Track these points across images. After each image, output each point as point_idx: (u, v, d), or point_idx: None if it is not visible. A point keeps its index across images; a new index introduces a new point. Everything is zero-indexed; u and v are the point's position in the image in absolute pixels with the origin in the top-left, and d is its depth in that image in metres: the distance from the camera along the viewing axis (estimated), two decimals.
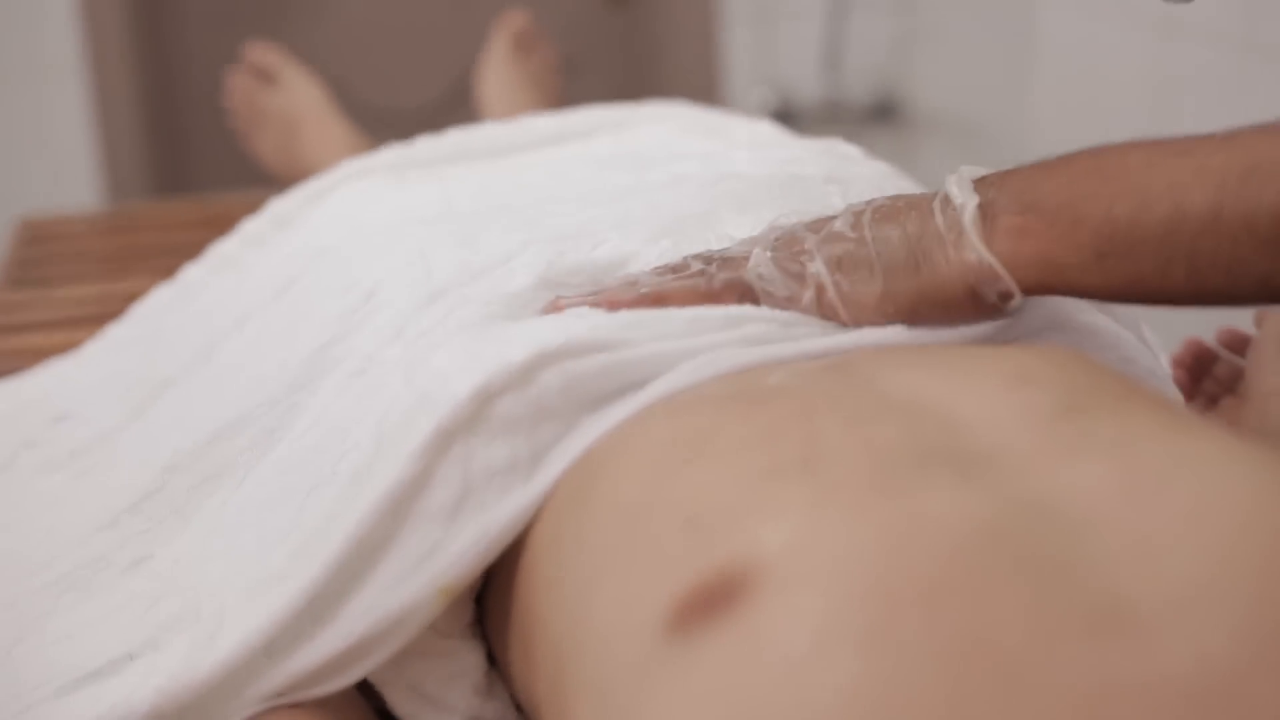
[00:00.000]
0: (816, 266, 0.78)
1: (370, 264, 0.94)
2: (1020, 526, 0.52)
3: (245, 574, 0.75)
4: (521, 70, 1.93)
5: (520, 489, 0.70)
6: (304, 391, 0.88)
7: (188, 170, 3.05)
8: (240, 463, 0.87)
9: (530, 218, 0.98)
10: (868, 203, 0.81)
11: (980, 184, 0.77)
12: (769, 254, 0.80)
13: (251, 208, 1.22)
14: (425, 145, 1.23)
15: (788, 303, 0.79)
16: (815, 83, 3.04)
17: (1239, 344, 1.10)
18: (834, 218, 0.81)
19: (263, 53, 1.86)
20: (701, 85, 2.97)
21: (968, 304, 0.77)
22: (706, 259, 0.82)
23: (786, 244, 0.81)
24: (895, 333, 0.76)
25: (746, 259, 0.81)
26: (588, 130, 1.27)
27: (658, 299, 0.80)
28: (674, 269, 0.82)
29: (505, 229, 0.95)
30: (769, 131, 1.27)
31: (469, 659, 0.75)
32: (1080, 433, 0.59)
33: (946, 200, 0.77)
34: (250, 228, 1.17)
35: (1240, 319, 1.13)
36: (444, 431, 0.70)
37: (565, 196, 1.04)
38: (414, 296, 0.87)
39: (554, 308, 0.82)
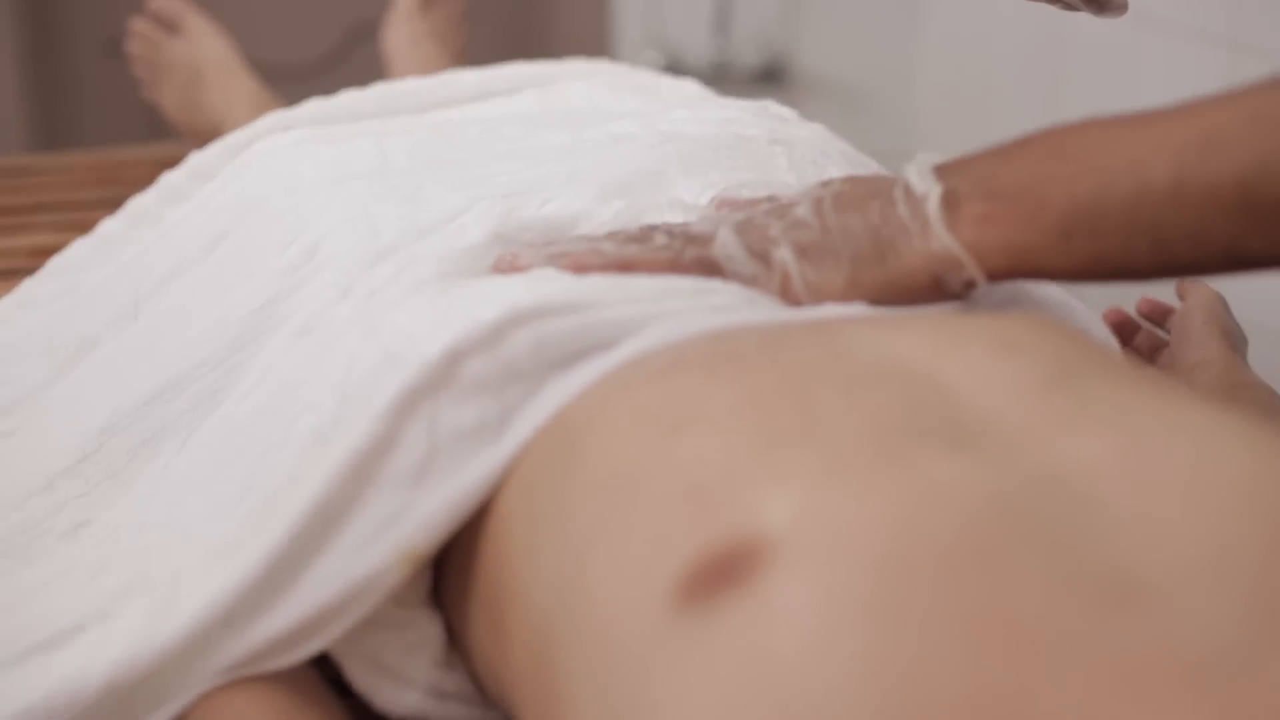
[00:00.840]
0: (783, 254, 0.77)
1: (309, 219, 0.91)
2: (1028, 499, 0.51)
3: (198, 540, 0.72)
4: (426, 23, 1.90)
5: (489, 451, 0.68)
6: (246, 351, 0.85)
7: (73, 125, 2.97)
8: (181, 424, 0.84)
9: (474, 175, 0.95)
10: (825, 185, 0.80)
11: (941, 171, 0.76)
12: (735, 236, 0.79)
13: (149, 162, 1.17)
14: (348, 99, 1.19)
15: (753, 282, 0.78)
16: (704, 45, 3.03)
17: (1160, 315, 1.11)
18: (795, 203, 0.80)
19: (167, 1, 1.80)
20: (592, 48, 2.95)
21: (931, 291, 0.76)
22: (670, 232, 0.81)
23: (751, 229, 0.79)
24: (860, 309, 0.75)
25: (712, 237, 0.80)
26: (513, 86, 1.25)
27: (625, 265, 0.78)
28: (637, 239, 0.81)
29: (449, 186, 0.92)
30: (697, 90, 1.25)
31: (429, 629, 0.73)
32: (1076, 403, 0.58)
33: (908, 188, 0.76)
34: (169, 181, 1.13)
35: (1161, 291, 1.14)
36: (412, 391, 0.68)
37: (504, 154, 1.02)
38: (360, 254, 0.84)
39: (510, 265, 0.80)
